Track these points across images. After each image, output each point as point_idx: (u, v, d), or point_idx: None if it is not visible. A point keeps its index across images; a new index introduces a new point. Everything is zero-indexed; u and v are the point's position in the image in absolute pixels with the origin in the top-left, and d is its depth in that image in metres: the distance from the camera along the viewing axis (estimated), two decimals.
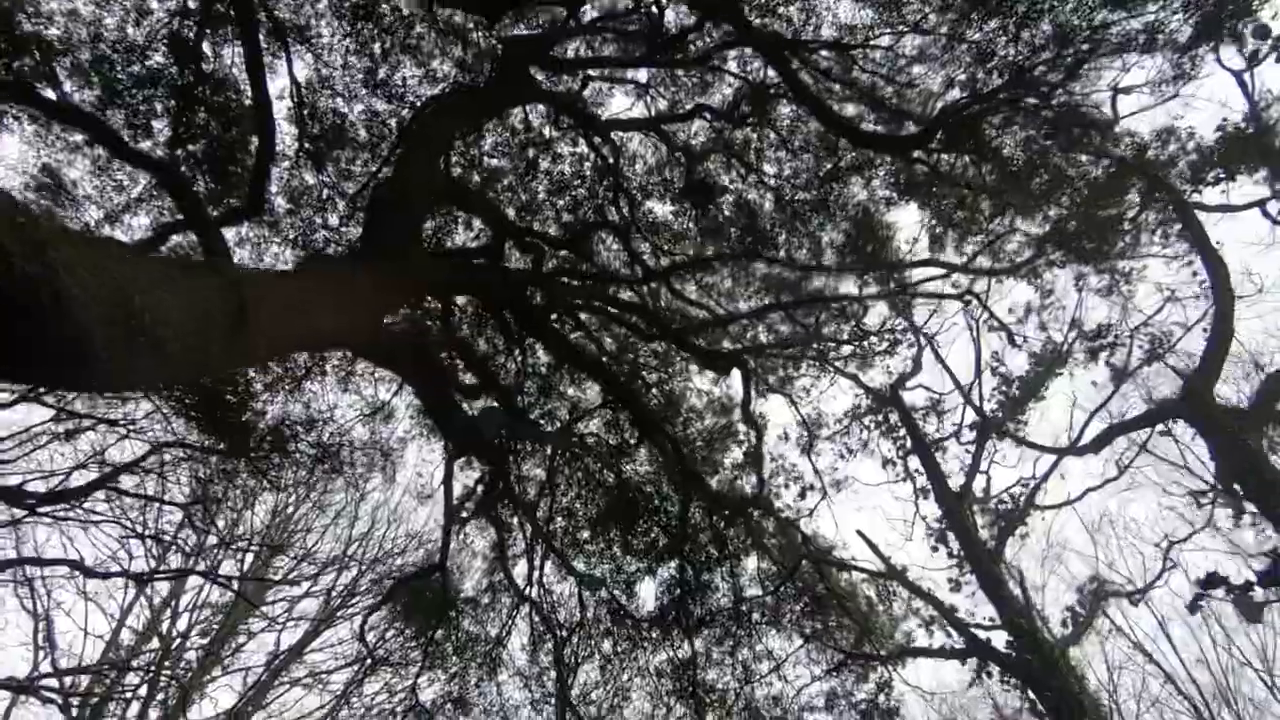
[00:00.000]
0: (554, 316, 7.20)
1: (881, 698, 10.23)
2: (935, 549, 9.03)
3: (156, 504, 10.92)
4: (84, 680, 12.63)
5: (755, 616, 11.28)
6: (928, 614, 8.49)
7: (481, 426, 6.80)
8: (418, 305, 4.96)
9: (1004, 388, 8.76)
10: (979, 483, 8.88)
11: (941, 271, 8.98)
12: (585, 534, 11.52)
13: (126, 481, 10.42)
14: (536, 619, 11.40)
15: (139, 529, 10.13)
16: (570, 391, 11.60)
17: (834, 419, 10.29)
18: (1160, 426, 7.55)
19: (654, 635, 11.44)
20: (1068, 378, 8.62)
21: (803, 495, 9.90)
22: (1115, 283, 7.52)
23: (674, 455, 7.41)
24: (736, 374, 8.86)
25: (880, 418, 9.84)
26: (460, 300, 8.70)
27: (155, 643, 14.04)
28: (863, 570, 9.03)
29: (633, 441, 9.41)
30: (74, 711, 12.03)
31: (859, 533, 9.09)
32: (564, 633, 11.00)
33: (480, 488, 8.51)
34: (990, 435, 8.81)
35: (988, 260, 8.54)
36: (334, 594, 14.99)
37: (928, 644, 8.24)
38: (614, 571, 11.48)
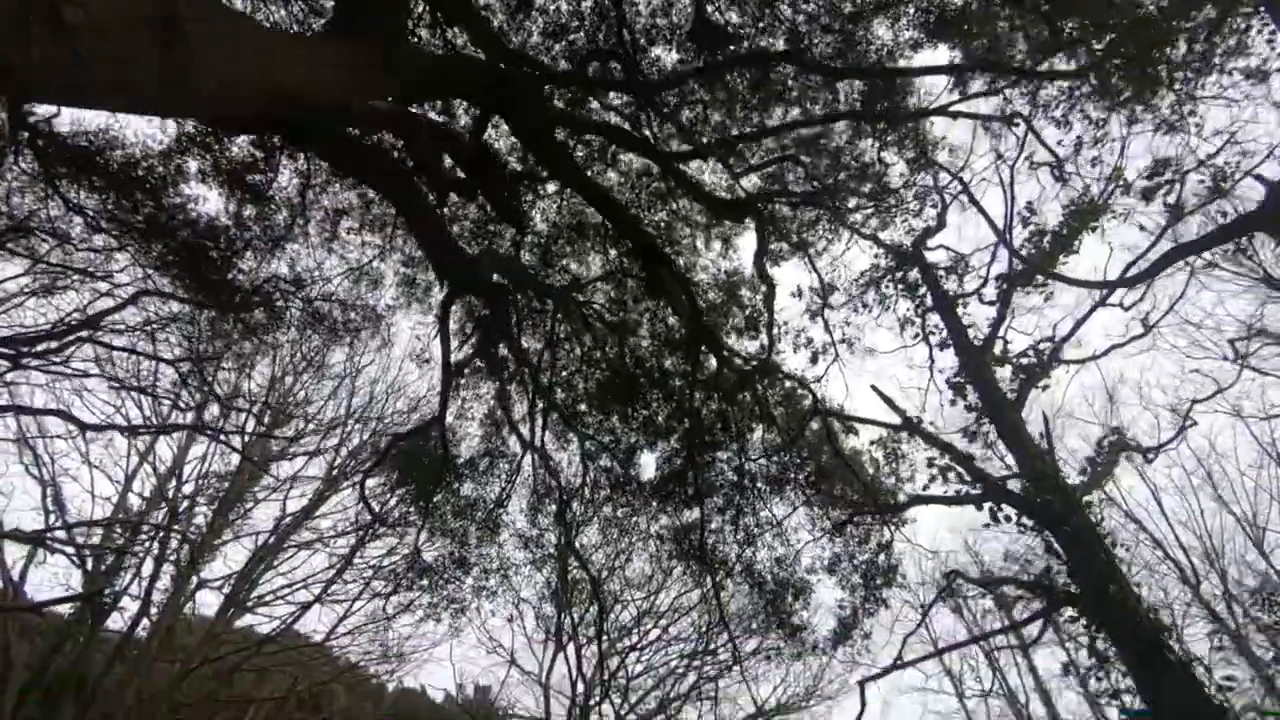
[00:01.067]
0: (559, 135, 6.58)
1: (882, 558, 10.29)
2: (953, 401, 8.80)
3: (149, 360, 10.61)
4: (95, 536, 12.82)
5: (759, 484, 11.24)
6: (943, 462, 8.37)
7: (481, 267, 6.33)
8: (405, 99, 4.35)
9: (1035, 239, 8.21)
10: (1002, 339, 8.51)
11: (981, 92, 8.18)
12: (587, 393, 11.35)
13: (115, 341, 10.11)
14: (538, 478, 11.37)
15: (130, 383, 9.88)
16: (575, 241, 11.09)
17: (850, 279, 9.85)
18: (1230, 245, 7.01)
19: (656, 500, 11.47)
20: (1101, 234, 8.06)
21: (814, 360, 9.60)
22: (1179, 114, 6.79)
23: (686, 302, 6.98)
24: (750, 235, 8.28)
25: (899, 276, 9.36)
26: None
27: (163, 507, 14.22)
28: (877, 424, 8.83)
29: (639, 283, 8.95)
30: (88, 564, 12.26)
31: (873, 387, 8.82)
32: (565, 496, 10.96)
33: (479, 337, 8.15)
34: (1019, 285, 8.35)
35: (1029, 91, 7.75)
36: (337, 457, 15.06)
37: (942, 491, 8.16)
38: (616, 436, 11.39)
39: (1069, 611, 6.10)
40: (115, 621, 13.30)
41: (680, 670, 15.67)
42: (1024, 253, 8.11)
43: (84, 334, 8.09)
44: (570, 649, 15.86)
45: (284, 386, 14.99)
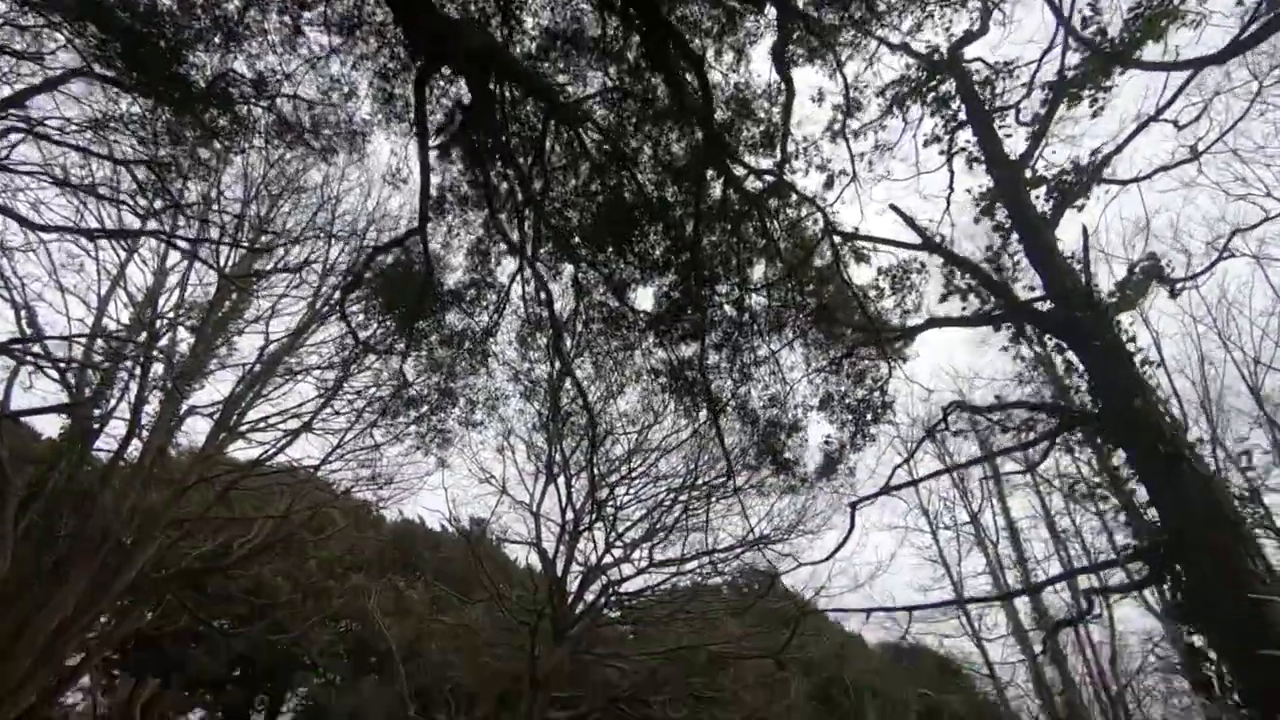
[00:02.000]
0: None
1: (876, 395, 10.11)
2: (978, 220, 8.25)
3: (103, 165, 9.73)
4: (77, 350, 12.46)
5: (759, 320, 10.86)
6: (963, 282, 7.97)
7: (462, 36, 5.43)
8: None
9: (1095, 39, 7.24)
10: (1040, 156, 7.79)
11: None
12: (582, 225, 10.69)
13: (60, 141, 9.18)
14: (529, 307, 10.91)
15: (84, 186, 9.07)
16: (569, 55, 9.94)
17: (875, 90, 8.87)
18: None
19: (653, 335, 11.13)
20: (1166, 40, 7.11)
21: (829, 184, 8.88)
22: None
23: (697, 89, 6.15)
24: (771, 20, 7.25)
25: (931, 85, 8.43)
26: None
27: (143, 335, 13.81)
28: (892, 244, 8.31)
29: (641, 104, 8.05)
30: (70, 380, 12.01)
31: (892, 206, 8.21)
32: (559, 323, 10.54)
33: (458, 124, 7.33)
34: (1072, 92, 7.51)
35: None
36: (322, 285, 14.54)
37: (961, 311, 7.83)
38: (612, 269, 10.84)
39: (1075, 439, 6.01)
40: (108, 448, 13.32)
41: (668, 503, 16.18)
42: (1077, 67, 7.20)
43: (17, 118, 7.19)
44: (561, 481, 16.25)
45: (261, 209, 14.14)
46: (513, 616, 16.59)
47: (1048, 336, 6.54)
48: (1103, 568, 7.92)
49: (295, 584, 28.61)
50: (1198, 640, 4.77)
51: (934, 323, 7.66)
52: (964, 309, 7.75)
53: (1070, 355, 6.32)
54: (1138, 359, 5.73)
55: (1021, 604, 17.28)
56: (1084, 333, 5.69)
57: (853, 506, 6.90)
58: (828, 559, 6.17)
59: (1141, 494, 5.91)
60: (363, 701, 22.56)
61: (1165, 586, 4.98)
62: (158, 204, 9.31)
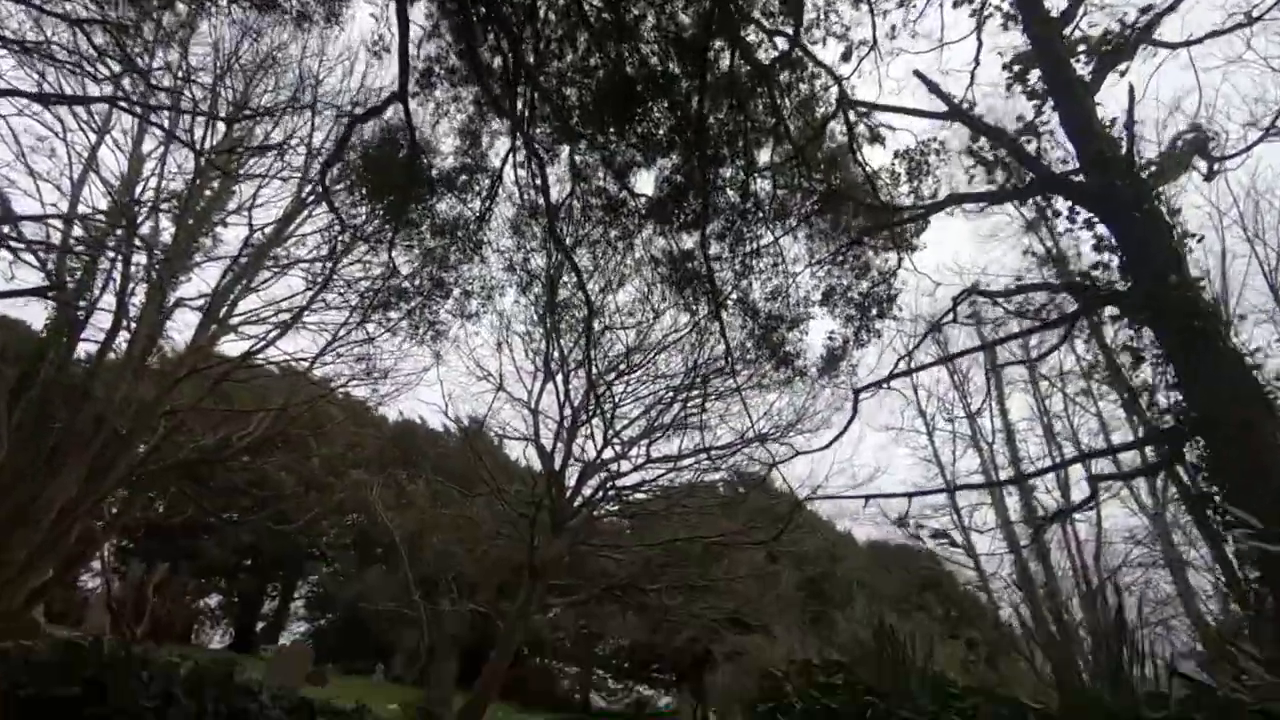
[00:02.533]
0: None
1: (882, 288, 9.76)
2: (1010, 86, 7.65)
3: (55, 25, 8.94)
4: (55, 237, 11.99)
5: (764, 208, 10.35)
6: (989, 154, 7.47)
7: None
8: None
9: None
10: (1081, 16, 7.09)
11: None
12: (581, 104, 9.99)
13: None
14: (523, 191, 10.38)
15: (36, 48, 8.34)
16: None
17: None
18: None
19: (653, 221, 10.66)
20: None
21: (847, 56, 8.16)
22: None
23: None
24: None
25: None
26: None
27: (122, 224, 13.25)
28: (914, 113, 7.74)
29: None
30: (47, 263, 11.62)
31: (916, 73, 7.58)
32: (555, 206, 10.03)
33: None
34: None
35: None
36: (306, 172, 13.88)
37: (986, 187, 7.37)
38: (611, 151, 10.23)
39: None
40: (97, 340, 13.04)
41: (667, 401, 16.14)
42: None
43: None
44: (559, 379, 16.14)
45: (236, 86, 13.28)
46: (512, 509, 16.90)
47: (1076, 213, 6.09)
48: (1121, 450, 7.83)
49: (298, 478, 29.26)
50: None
51: (955, 199, 7.19)
52: (990, 183, 7.24)
53: (1101, 229, 5.92)
54: (1176, 232, 5.36)
55: (1012, 503, 17.61)
56: (1121, 203, 5.27)
57: (856, 394, 6.72)
58: (828, 446, 6.05)
59: (1154, 381, 5.69)
60: (368, 589, 23.50)
61: (1183, 468, 4.86)
62: (118, 69, 8.60)
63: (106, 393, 12.10)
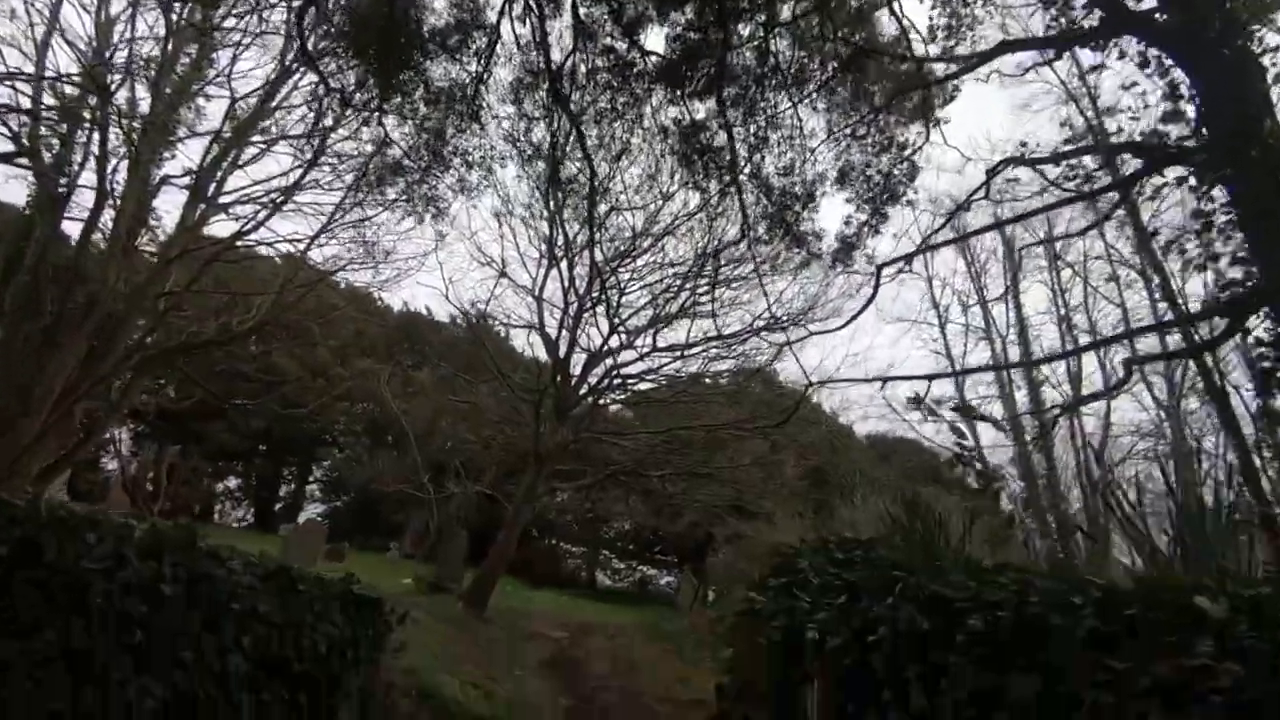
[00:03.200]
0: None
1: (903, 166, 9.11)
2: None
3: None
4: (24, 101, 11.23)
5: (783, 71, 9.51)
6: None
7: None
8: None
9: None
10: None
11: None
12: None
13: None
14: (523, 45, 9.54)
15: None
16: None
17: None
18: None
19: (664, 85, 9.85)
20: None
21: None
22: None
23: None
24: None
25: None
26: None
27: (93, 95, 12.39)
28: None
29: None
30: (19, 128, 10.96)
31: None
32: (557, 69, 9.24)
33: None
34: None
35: None
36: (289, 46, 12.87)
37: (1047, 29, 6.57)
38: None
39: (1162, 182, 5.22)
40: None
41: (674, 289, 15.73)
42: None
43: None
44: (563, 265, 15.66)
45: None
46: (517, 396, 16.89)
47: (1149, 58, 5.38)
48: (1167, 326, 7.45)
49: (305, 366, 29.44)
50: None
51: (1009, 46, 6.41)
52: (1051, 28, 6.38)
53: (1177, 74, 5.25)
54: (1270, 74, 4.71)
55: (1019, 398, 17.49)
56: (1206, 42, 4.61)
57: (878, 270, 6.30)
58: (845, 325, 5.67)
59: (1218, 249, 5.23)
60: (379, 473, 24.10)
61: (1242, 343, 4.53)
62: None
63: (98, 273, 11.74)
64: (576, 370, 16.60)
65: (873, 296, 6.53)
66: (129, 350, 11.91)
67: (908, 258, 7.25)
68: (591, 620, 16.06)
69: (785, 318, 14.42)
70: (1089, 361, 16.67)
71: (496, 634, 13.35)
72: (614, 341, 16.53)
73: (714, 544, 22.64)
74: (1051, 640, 2.14)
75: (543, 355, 18.05)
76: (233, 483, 35.62)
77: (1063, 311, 16.02)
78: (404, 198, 11.19)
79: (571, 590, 26.20)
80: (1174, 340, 8.68)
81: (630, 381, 17.46)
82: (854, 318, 6.21)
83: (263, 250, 16.23)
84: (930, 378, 6.95)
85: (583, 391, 16.61)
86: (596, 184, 10.10)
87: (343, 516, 31.44)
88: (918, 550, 3.25)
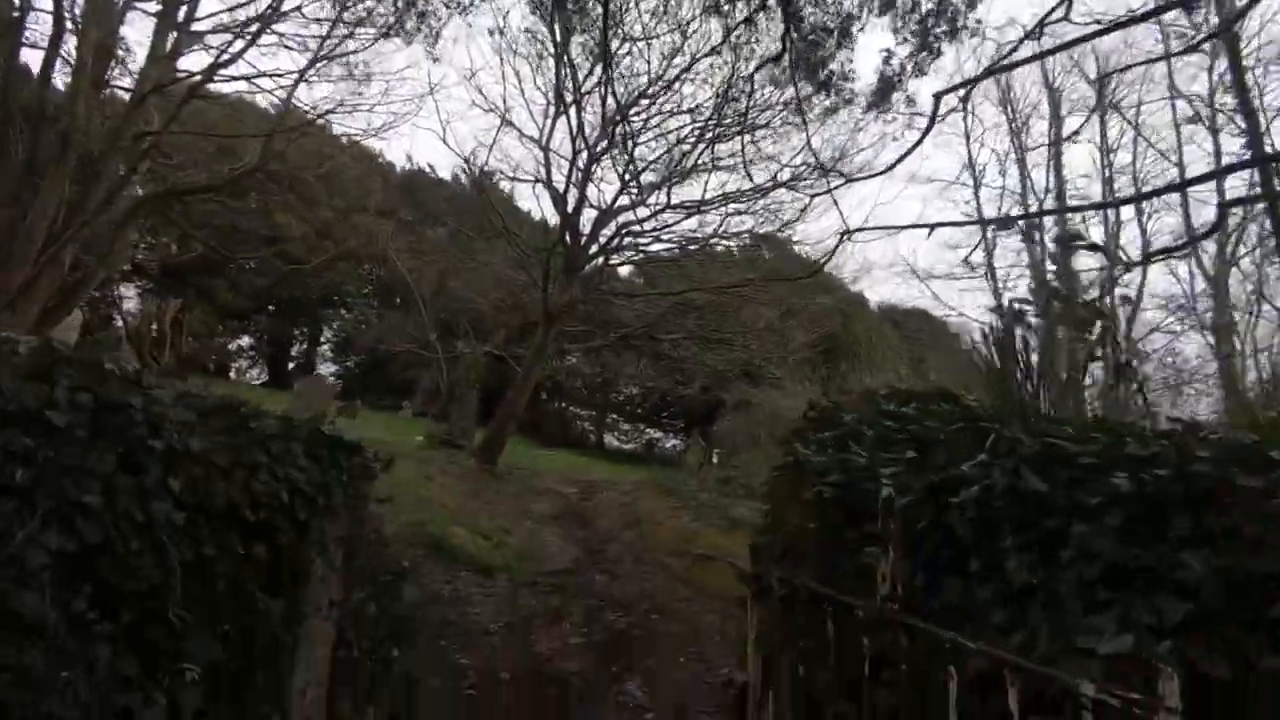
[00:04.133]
0: None
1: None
2: None
3: None
4: None
5: None
6: None
7: None
8: None
9: None
10: None
11: None
12: None
13: None
14: None
15: None
16: None
17: None
18: None
19: None
20: None
21: None
22: None
23: None
24: None
25: None
26: None
27: None
28: None
29: None
30: None
31: None
32: None
33: None
34: None
35: None
36: None
37: None
38: None
39: None
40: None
41: (692, 140, 14.58)
42: None
43: None
44: (572, 111, 14.45)
45: None
46: (524, 253, 16.25)
47: None
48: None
49: (309, 224, 28.65)
50: None
51: None
52: None
53: None
54: None
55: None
56: None
57: (937, 97, 5.45)
58: (897, 163, 4.88)
59: None
60: (388, 332, 23.97)
61: None
62: None
63: (68, 108, 10.83)
64: (586, 229, 15.82)
65: (928, 129, 5.71)
66: (110, 193, 11.22)
67: (972, 82, 6.34)
68: (600, 478, 16.35)
69: (816, 165, 13.26)
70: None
71: (507, 488, 13.58)
72: (625, 199, 15.61)
73: (722, 409, 22.79)
74: (1236, 505, 1.71)
75: (551, 215, 17.19)
76: (246, 341, 35.88)
77: (1109, 159, 14.79)
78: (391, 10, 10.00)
79: (580, 451, 26.84)
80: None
81: (642, 243, 16.68)
82: (908, 153, 5.43)
83: (248, 92, 15.03)
84: (984, 222, 6.27)
85: (593, 251, 15.91)
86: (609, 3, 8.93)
87: (354, 377, 31.85)
88: (1010, 398, 2.81)
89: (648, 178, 15.54)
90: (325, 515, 3.32)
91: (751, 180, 13.46)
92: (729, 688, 4.16)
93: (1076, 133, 15.37)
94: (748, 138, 12.94)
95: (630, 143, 14.59)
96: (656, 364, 24.21)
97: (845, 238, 5.75)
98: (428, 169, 33.81)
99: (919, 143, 5.63)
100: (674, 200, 15.28)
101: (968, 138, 16.87)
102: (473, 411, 17.54)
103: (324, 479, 3.31)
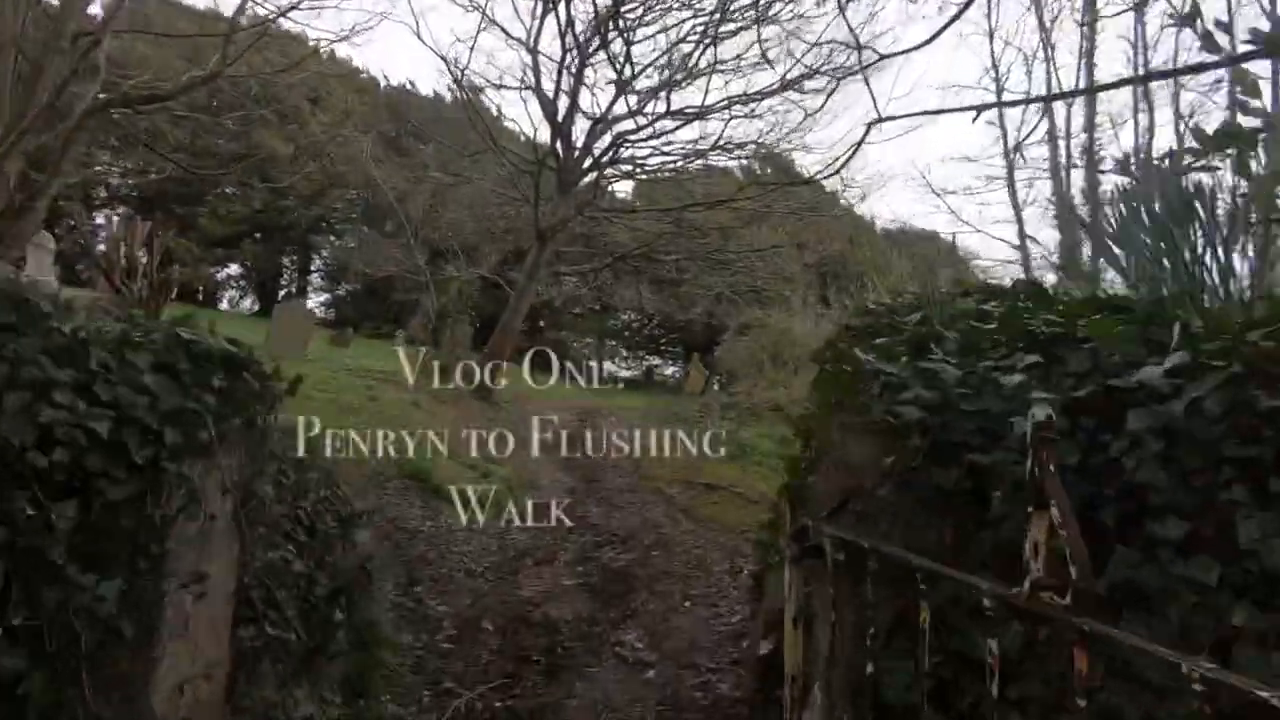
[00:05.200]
0: None
1: None
2: None
3: None
4: None
5: None
6: None
7: None
8: None
9: None
10: None
11: None
12: None
13: None
14: None
15: None
16: None
17: None
18: None
19: None
20: None
21: None
22: None
23: None
24: None
25: None
26: None
27: None
28: None
29: None
30: None
31: None
32: None
33: None
34: None
35: None
36: None
37: None
38: None
39: None
40: None
41: (694, 38, 13.30)
42: None
43: None
44: (561, 7, 13.13)
45: None
46: (514, 168, 15.18)
47: None
48: None
49: (294, 145, 27.27)
50: None
51: None
52: None
53: None
54: None
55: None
56: None
57: None
58: (937, 35, 3.93)
59: None
60: (378, 257, 23.06)
61: None
62: None
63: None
64: (579, 140, 14.70)
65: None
66: (51, 99, 10.18)
67: None
68: (599, 405, 15.81)
69: (850, 37, 11.92)
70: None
71: (501, 417, 13.04)
72: (620, 107, 14.41)
73: (723, 335, 22.10)
74: None
75: (542, 126, 15.99)
76: (235, 270, 34.90)
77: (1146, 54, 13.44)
78: None
79: (578, 379, 26.29)
80: None
81: (640, 155, 15.55)
82: (954, 19, 4.37)
83: None
84: (1048, 99, 5.36)
85: (586, 165, 14.84)
86: None
87: (346, 305, 31.07)
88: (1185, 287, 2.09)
89: (644, 83, 14.33)
90: (186, 454, 2.50)
91: (772, 65, 12.23)
92: (748, 652, 3.48)
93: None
94: (762, 30, 11.66)
95: (625, 41, 13.32)
96: (656, 289, 23.37)
97: (874, 126, 4.85)
98: (409, 85, 32.08)
99: (958, 14, 4.60)
100: (673, 106, 14.11)
101: (990, 36, 15.40)
102: (466, 338, 16.85)
103: (183, 404, 2.50)
